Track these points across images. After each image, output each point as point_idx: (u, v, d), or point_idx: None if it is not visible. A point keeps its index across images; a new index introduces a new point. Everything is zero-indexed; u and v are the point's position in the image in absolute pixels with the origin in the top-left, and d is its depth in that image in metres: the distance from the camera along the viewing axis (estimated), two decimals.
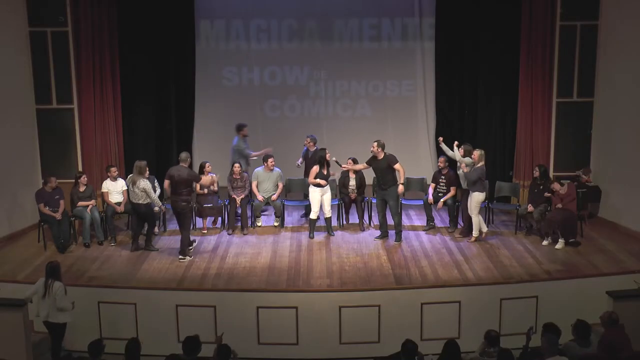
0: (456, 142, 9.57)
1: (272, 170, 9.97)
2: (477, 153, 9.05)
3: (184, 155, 8.79)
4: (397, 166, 9.07)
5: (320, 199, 9.44)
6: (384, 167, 9.08)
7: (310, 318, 7.49)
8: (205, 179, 9.50)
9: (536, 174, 9.46)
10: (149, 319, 7.53)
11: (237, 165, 9.96)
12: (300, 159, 10.61)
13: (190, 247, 8.86)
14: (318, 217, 9.57)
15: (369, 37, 11.85)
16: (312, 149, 10.36)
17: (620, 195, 9.93)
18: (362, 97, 12.08)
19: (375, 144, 9.07)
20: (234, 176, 9.90)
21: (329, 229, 9.62)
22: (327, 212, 9.54)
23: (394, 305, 7.54)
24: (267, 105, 12.08)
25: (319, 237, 9.56)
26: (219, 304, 7.51)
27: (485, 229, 9.22)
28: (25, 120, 10.14)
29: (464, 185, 9.42)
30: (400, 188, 9.14)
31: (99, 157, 10.58)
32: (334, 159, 9.48)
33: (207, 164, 9.82)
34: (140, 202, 8.78)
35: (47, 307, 6.82)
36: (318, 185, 9.40)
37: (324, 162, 9.41)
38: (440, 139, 9.84)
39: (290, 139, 11.73)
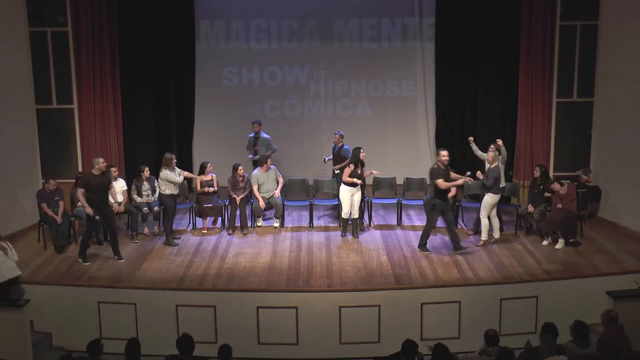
0: (471, 138, 9.76)
1: (269, 169, 9.95)
2: (491, 154, 8.94)
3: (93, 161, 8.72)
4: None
5: (351, 199, 9.31)
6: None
7: (310, 318, 7.49)
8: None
9: (536, 174, 9.44)
10: (149, 319, 7.53)
11: (241, 167, 9.90)
12: (330, 155, 10.59)
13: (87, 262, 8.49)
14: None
15: (369, 37, 11.86)
16: (340, 144, 10.36)
17: (620, 195, 9.92)
18: (362, 97, 12.09)
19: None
20: (237, 178, 9.86)
21: (354, 230, 9.49)
22: (356, 212, 9.42)
23: (394, 305, 7.54)
24: (267, 105, 12.08)
25: (319, 237, 9.54)
26: (219, 304, 7.51)
27: (497, 234, 9.11)
28: (25, 120, 10.13)
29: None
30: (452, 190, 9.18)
31: (98, 157, 10.54)
32: (370, 171, 9.43)
33: (208, 164, 9.84)
34: (167, 192, 9.15)
35: (11, 263, 7.30)
36: (352, 184, 9.22)
37: (358, 162, 9.27)
38: (470, 138, 9.86)
39: (290, 139, 11.77)
